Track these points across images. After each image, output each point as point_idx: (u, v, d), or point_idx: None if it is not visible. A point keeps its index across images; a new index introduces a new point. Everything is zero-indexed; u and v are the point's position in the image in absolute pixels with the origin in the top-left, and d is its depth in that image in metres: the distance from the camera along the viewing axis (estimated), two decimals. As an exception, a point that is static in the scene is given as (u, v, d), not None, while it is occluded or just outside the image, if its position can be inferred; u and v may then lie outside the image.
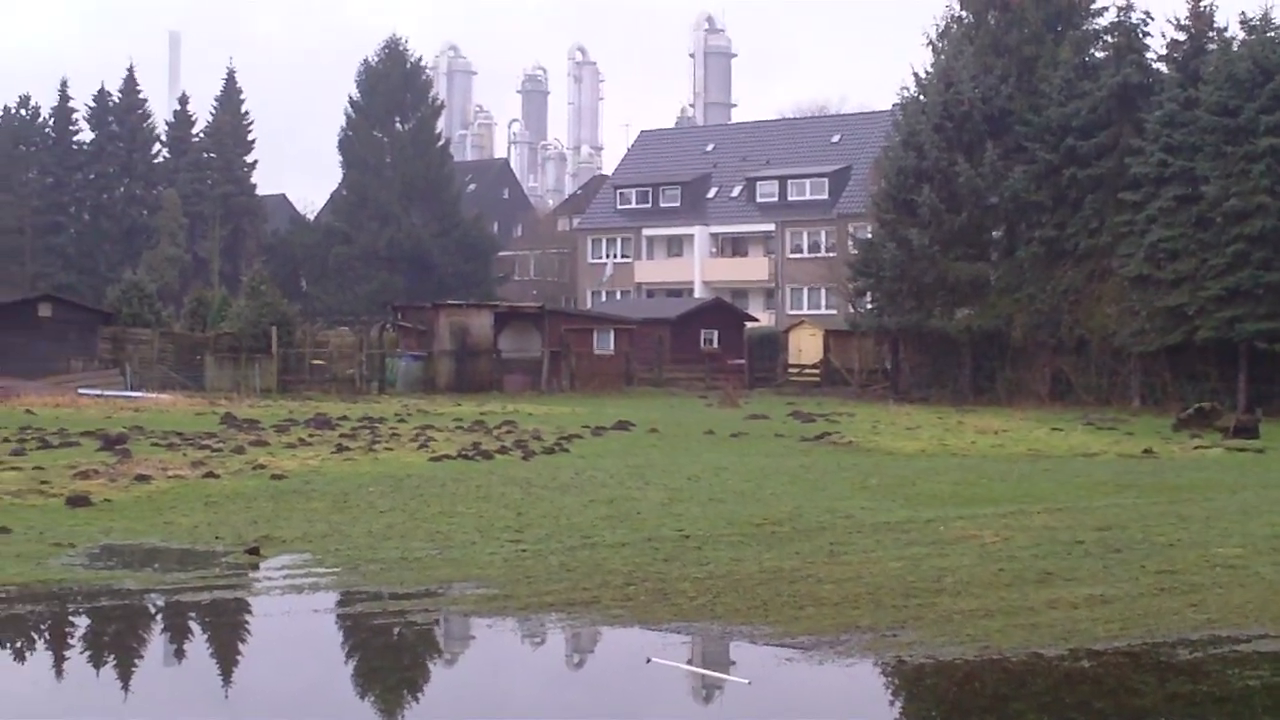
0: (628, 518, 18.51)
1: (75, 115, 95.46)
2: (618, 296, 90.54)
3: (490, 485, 22.10)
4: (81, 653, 12.02)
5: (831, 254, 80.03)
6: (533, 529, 17.46)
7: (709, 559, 15.38)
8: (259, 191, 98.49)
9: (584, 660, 12.08)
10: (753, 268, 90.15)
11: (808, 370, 64.61)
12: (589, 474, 24.09)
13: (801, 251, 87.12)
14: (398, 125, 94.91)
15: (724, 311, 72.47)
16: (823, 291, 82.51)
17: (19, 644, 12.20)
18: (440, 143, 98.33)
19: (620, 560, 15.25)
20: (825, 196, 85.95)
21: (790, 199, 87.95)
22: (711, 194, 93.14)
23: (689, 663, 11.39)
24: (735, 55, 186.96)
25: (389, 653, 12.04)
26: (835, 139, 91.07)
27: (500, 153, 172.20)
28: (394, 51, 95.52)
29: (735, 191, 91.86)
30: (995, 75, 53.11)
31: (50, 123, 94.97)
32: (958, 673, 10.96)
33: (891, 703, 10.76)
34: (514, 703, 10.80)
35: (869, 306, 57.09)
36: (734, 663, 11.41)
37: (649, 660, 11.17)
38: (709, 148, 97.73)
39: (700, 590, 13.61)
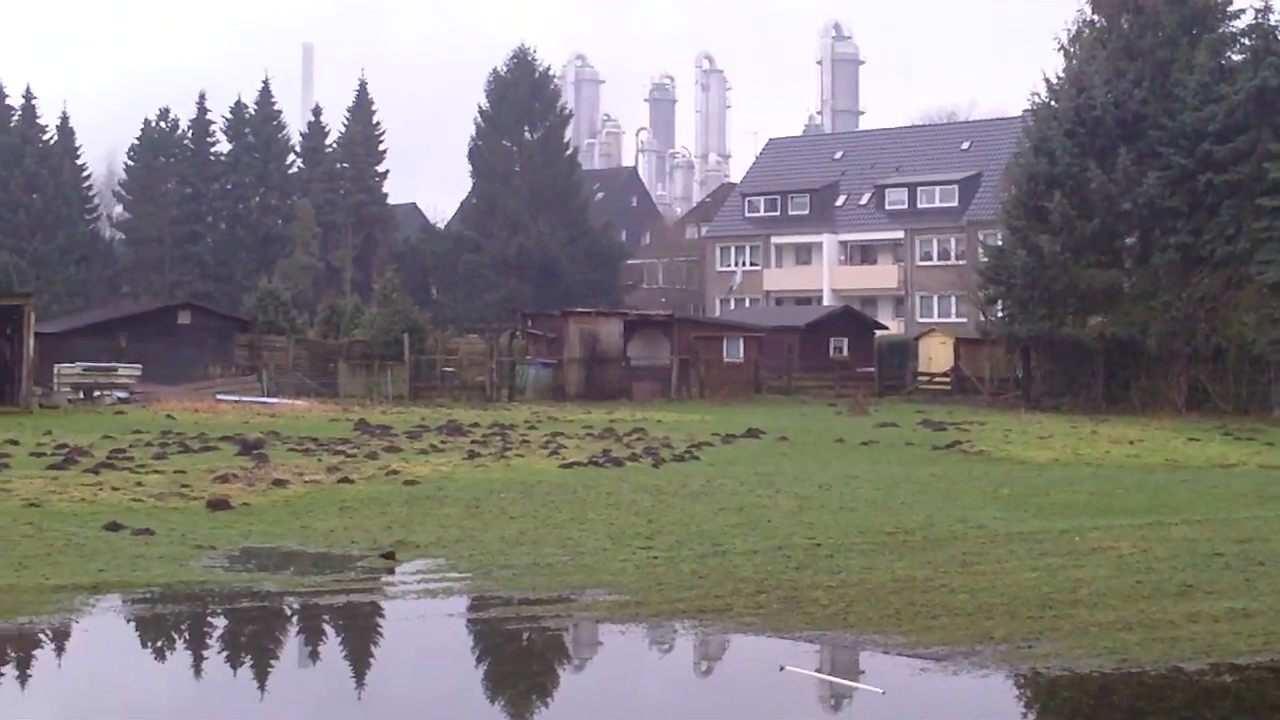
0: (758, 525, 18.50)
1: (213, 127, 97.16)
2: (746, 304, 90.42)
3: (621, 492, 22.18)
4: (224, 653, 12.25)
5: (961, 261, 79.31)
6: (664, 536, 17.50)
7: (841, 567, 15.33)
8: (390, 200, 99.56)
9: (717, 667, 12.10)
10: (882, 275, 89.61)
11: (938, 378, 64.05)
12: (719, 481, 24.09)
13: (931, 259, 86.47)
14: (526, 134, 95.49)
15: (853, 319, 72.07)
16: (953, 299, 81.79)
17: (164, 643, 12.46)
18: (568, 151, 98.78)
19: (752, 568, 15.24)
20: (955, 203, 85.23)
21: (920, 206, 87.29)
22: (840, 201, 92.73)
23: (822, 671, 11.37)
24: (863, 62, 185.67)
25: (522, 658, 12.14)
26: (965, 145, 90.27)
27: (628, 161, 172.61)
28: (523, 61, 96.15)
29: (864, 199, 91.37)
30: (1128, 79, 52.32)
31: (189, 135, 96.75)
32: (1094, 686, 10.83)
33: (1026, 715, 10.67)
34: (647, 709, 10.85)
35: (1000, 314, 56.45)
36: (867, 672, 11.36)
37: (782, 668, 11.16)
38: (837, 155, 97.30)
39: (832, 599, 13.57)
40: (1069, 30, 56.81)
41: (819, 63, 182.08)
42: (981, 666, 11.21)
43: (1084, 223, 51.08)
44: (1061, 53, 56.74)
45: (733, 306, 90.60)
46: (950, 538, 17.59)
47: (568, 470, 25.89)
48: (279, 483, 22.55)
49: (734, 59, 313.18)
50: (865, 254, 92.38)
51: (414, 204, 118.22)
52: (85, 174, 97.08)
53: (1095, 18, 55.60)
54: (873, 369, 64.66)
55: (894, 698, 10.53)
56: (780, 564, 15.49)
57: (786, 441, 34.01)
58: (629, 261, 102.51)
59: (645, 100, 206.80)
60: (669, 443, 32.54)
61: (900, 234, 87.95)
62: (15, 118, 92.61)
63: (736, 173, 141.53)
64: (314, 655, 12.41)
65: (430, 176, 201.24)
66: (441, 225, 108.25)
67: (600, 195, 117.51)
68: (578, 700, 11.06)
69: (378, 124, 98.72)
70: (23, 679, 11.29)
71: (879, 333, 71.39)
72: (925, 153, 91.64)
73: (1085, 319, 52.29)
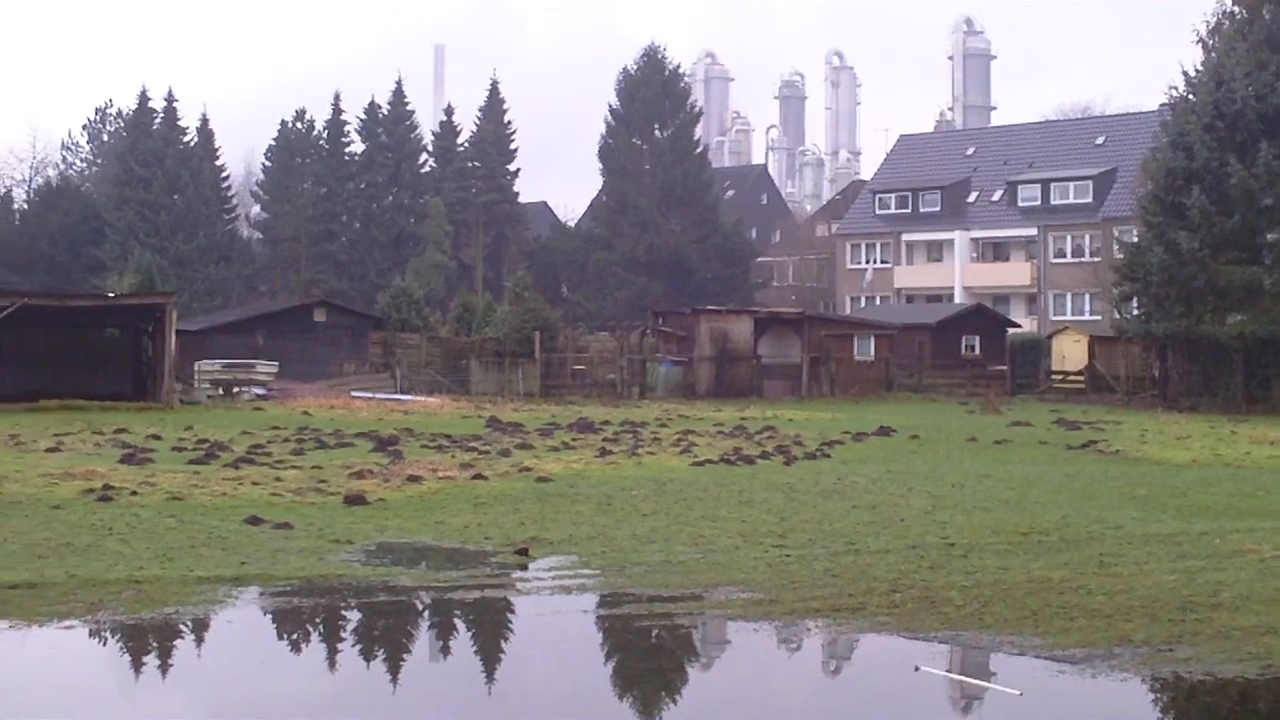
0: (891, 524, 18.41)
1: (347, 128, 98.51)
2: (876, 302, 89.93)
3: (752, 490, 22.17)
4: (362, 646, 12.42)
5: (1096, 258, 78.26)
6: (796, 534, 17.48)
7: (975, 567, 15.20)
8: (521, 199, 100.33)
9: (851, 667, 12.05)
10: (1014, 273, 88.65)
11: (1071, 377, 63.18)
12: (851, 479, 23.99)
13: (1065, 256, 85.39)
14: (657, 132, 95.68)
15: (985, 317, 71.31)
16: (1087, 297, 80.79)
17: (304, 635, 12.67)
18: (698, 149, 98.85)
19: (885, 567, 15.18)
20: (1089, 200, 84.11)
21: (1053, 202, 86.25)
22: (972, 198, 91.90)
23: (958, 672, 11.29)
24: (995, 57, 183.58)
25: (656, 655, 12.17)
26: (1099, 140, 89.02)
27: (758, 159, 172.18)
28: (653, 60, 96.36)
29: (996, 195, 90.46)
30: (1270, 72, 51.22)
31: (324, 135, 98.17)
32: (1237, 691, 10.64)
33: None
34: (781, 707, 10.84)
35: (1135, 312, 55.51)
36: (1004, 673, 11.24)
37: (917, 668, 11.10)
38: (969, 151, 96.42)
39: (967, 599, 13.46)
40: (1208, 22, 55.94)
41: (950, 58, 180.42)
42: (1121, 670, 11.06)
43: (1223, 219, 50.09)
44: (1200, 45, 55.85)
45: (863, 304, 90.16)
46: (1086, 538, 17.37)
47: (699, 468, 25.91)
48: (413, 479, 22.82)
49: (864, 55, 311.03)
50: (997, 251, 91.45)
51: (544, 202, 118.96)
52: (224, 175, 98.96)
53: (1236, 9, 54.59)
54: (1005, 367, 63.95)
55: (1032, 700, 10.43)
56: (914, 563, 15.40)
57: (918, 440, 33.76)
58: (759, 259, 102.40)
59: (775, 97, 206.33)
60: (800, 440, 32.46)
61: (1033, 231, 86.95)
62: (158, 121, 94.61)
63: (867, 170, 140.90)
64: (450, 650, 12.54)
65: (560, 175, 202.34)
66: (572, 223, 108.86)
67: (730, 193, 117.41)
68: (712, 698, 11.07)
69: (509, 123, 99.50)
70: (170, 667, 11.54)
71: (1011, 330, 70.60)
72: (1059, 148, 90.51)
73: (1224, 317, 51.28)
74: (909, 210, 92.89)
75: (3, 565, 14.59)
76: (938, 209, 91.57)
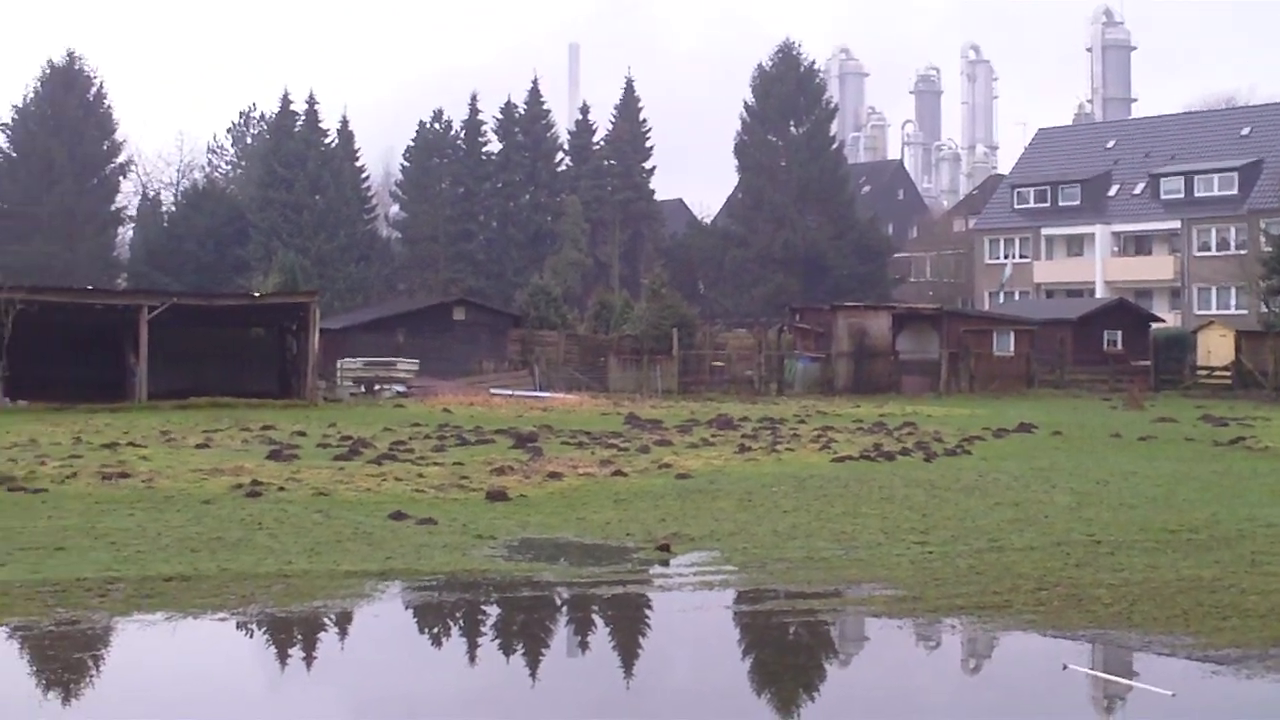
0: (1035, 521, 18.19)
1: (484, 128, 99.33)
2: (1015, 297, 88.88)
3: (893, 486, 22.05)
4: (507, 640, 12.52)
5: (1242, 251, 76.78)
6: (938, 531, 17.34)
7: (1123, 565, 14.97)
8: (657, 196, 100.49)
9: (997, 664, 11.92)
10: (1157, 266, 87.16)
11: (1217, 373, 61.92)
12: (992, 476, 23.76)
13: (1209, 249, 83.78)
14: (792, 129, 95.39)
15: (1127, 312, 70.20)
16: (1232, 290, 79.23)
17: (450, 629, 12.81)
18: (834, 145, 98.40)
19: (1030, 564, 15.00)
20: (1234, 192, 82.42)
21: (1197, 195, 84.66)
22: (1112, 191, 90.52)
23: (1107, 671, 11.14)
24: (1134, 48, 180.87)
25: (799, 651, 12.15)
26: (1245, 131, 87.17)
27: (893, 154, 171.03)
28: (788, 56, 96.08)
29: (1138, 189, 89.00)
30: None
31: (461, 135, 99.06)
32: (1399, 691, 10.41)
33: (1326, 721, 10.30)
34: (926, 705, 10.77)
35: (1284, 305, 54.45)
36: (1154, 673, 11.03)
37: (1065, 667, 10.97)
38: (1109, 144, 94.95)
39: (1115, 597, 13.26)
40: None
41: (1089, 50, 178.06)
42: (1277, 671, 10.84)
43: (1376, 210, 48.89)
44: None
45: (1002, 300, 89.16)
46: (1237, 536, 17.04)
47: (839, 464, 25.82)
48: (554, 475, 22.99)
49: (1000, 49, 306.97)
50: (1139, 245, 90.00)
51: (680, 200, 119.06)
52: (364, 175, 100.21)
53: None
54: (1148, 363, 62.86)
55: (1185, 700, 10.24)
56: (1059, 561, 15.20)
57: (1060, 436, 33.34)
58: (896, 255, 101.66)
59: (910, 92, 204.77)
60: (940, 437, 32.21)
61: (1176, 224, 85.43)
62: (299, 124, 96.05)
63: (1004, 164, 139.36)
64: (594, 645, 12.61)
65: (696, 172, 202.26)
66: (708, 220, 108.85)
67: (866, 189, 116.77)
68: (856, 695, 11.03)
69: (644, 121, 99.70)
70: (319, 660, 11.72)
71: (1154, 325, 69.42)
72: (1202, 140, 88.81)
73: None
74: (1048, 204, 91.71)
75: (159, 558, 14.94)
76: (1077, 203, 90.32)
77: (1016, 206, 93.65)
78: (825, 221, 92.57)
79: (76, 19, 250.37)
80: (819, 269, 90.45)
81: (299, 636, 12.28)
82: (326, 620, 12.70)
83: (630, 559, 15.64)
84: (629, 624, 13.32)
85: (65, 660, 11.16)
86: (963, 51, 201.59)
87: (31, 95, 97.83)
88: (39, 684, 10.65)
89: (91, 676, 10.94)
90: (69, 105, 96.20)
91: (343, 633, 12.60)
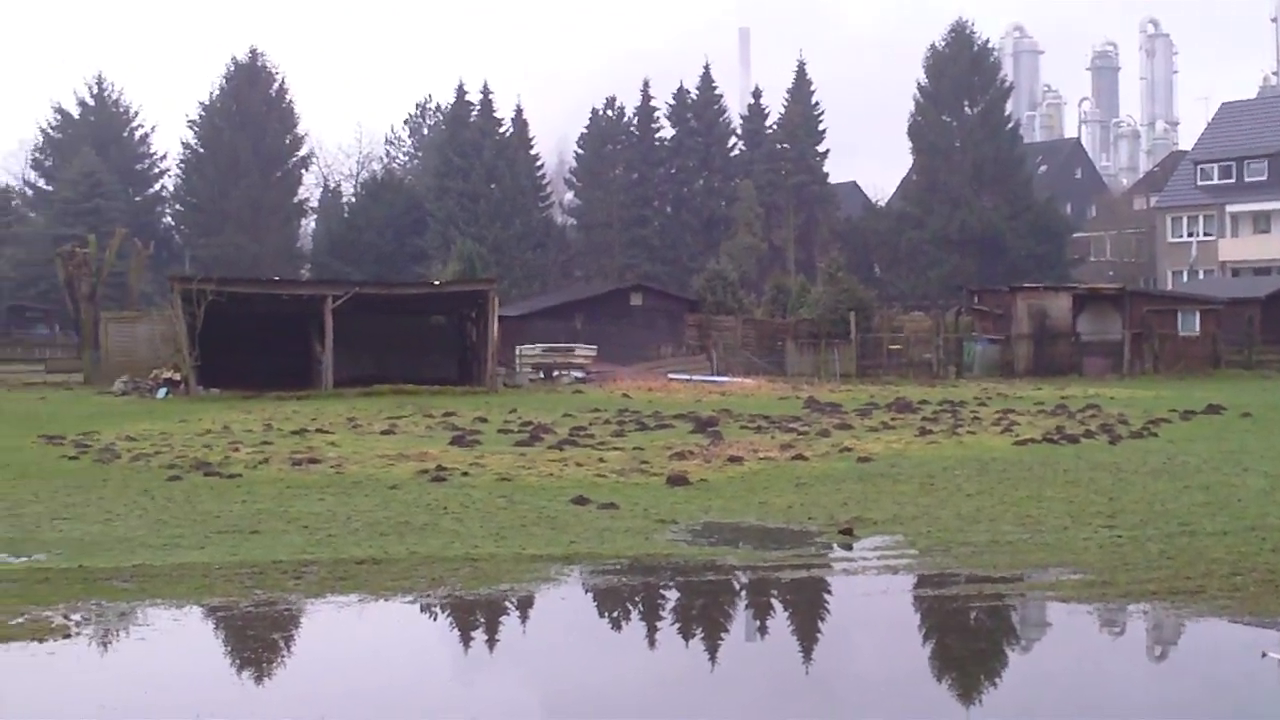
0: (1227, 505, 17.78)
1: (656, 113, 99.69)
2: (1200, 276, 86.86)
3: (1078, 469, 21.70)
4: (690, 624, 12.56)
5: None
6: (1125, 515, 17.03)
7: (1322, 550, 14.59)
8: (831, 180, 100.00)
9: (1192, 651, 11.68)
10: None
11: None
12: (1181, 459, 23.25)
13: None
14: (966, 109, 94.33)
15: (1320, 289, 68.23)
16: None
17: (637, 613, 12.90)
18: (1009, 125, 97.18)
19: (1223, 549, 14.65)
20: None
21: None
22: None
23: (1309, 658, 10.86)
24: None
25: (986, 636, 12.04)
26: None
27: (1070, 132, 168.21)
28: (961, 35, 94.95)
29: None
30: None
31: (634, 122, 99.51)
32: None
33: None
34: (1118, 692, 10.59)
35: None
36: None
37: (1264, 655, 10.72)
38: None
39: (1317, 583, 12.93)
40: None
41: (1274, 20, 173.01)
42: None
43: None
44: None
45: (1185, 278, 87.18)
46: None
47: (1021, 447, 25.48)
48: (734, 459, 23.03)
49: (1180, 22, 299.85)
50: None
51: (854, 182, 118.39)
52: (538, 163, 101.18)
53: None
54: (1343, 341, 61.09)
55: (1391, 687, 9.98)
56: (1254, 546, 14.83)
57: (1250, 418, 32.49)
58: (1074, 235, 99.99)
59: (1087, 69, 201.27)
60: (1124, 419, 31.61)
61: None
62: (474, 113, 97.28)
63: (1185, 140, 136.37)
64: (779, 628, 12.61)
65: (869, 155, 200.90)
66: (882, 203, 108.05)
67: (1043, 168, 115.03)
68: (1046, 681, 10.88)
69: (816, 104, 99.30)
70: (507, 642, 11.89)
71: (1349, 303, 67.32)
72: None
73: None
74: (1233, 180, 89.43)
75: (350, 541, 15.28)
76: (1264, 178, 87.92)
77: (1200, 183, 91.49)
78: (1001, 202, 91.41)
79: (259, 18, 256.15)
80: (995, 250, 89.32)
81: (487, 619, 12.46)
82: (514, 603, 12.87)
83: (813, 543, 15.62)
84: (813, 608, 13.30)
85: (264, 639, 11.48)
86: (1141, 26, 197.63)
87: (217, 93, 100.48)
88: (239, 662, 10.96)
89: (288, 655, 11.22)
90: (253, 101, 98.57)
91: (530, 616, 12.75)
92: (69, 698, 9.91)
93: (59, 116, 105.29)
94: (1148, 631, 11.96)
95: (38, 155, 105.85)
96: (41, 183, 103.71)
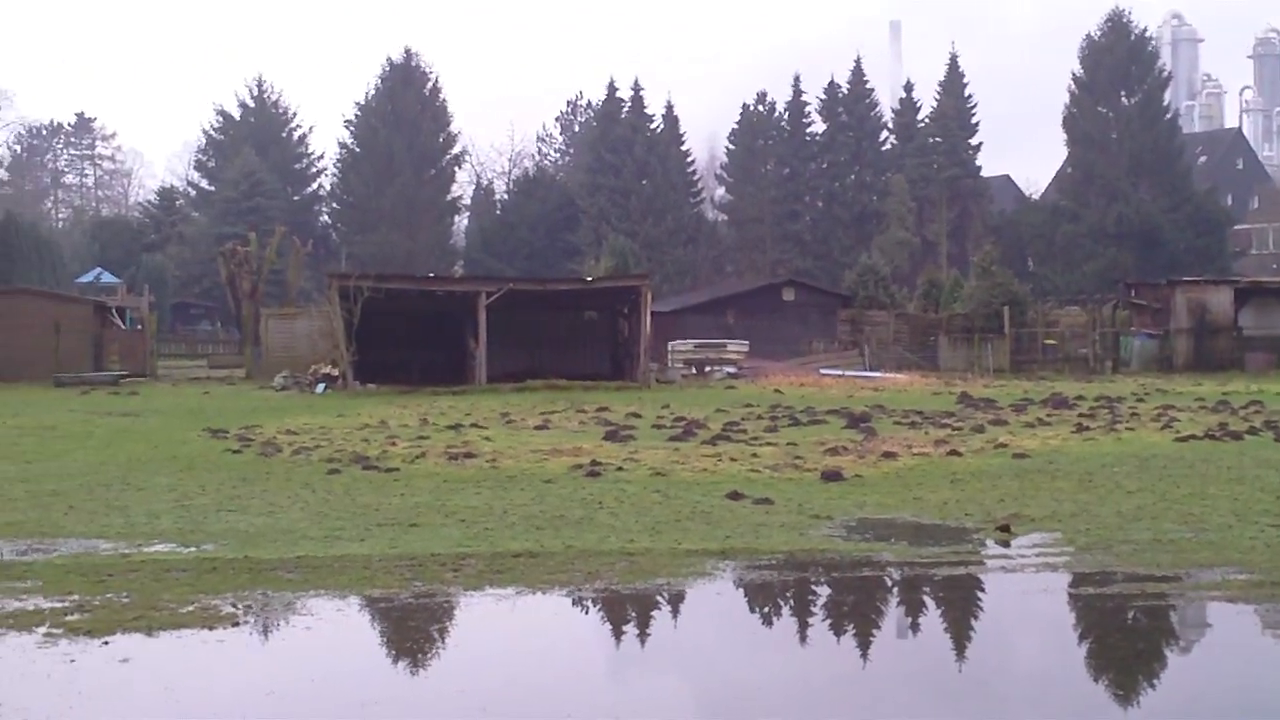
0: (1401, 504, 17.32)
1: (808, 108, 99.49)
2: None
3: (1242, 467, 21.26)
4: (849, 620, 12.52)
5: None
6: (1294, 514, 16.67)
7: None
8: (983, 173, 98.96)
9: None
10: None
11: None
12: (1351, 457, 22.70)
13: None
14: (1123, 99, 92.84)
15: None
16: None
17: (792, 608, 12.88)
18: (1168, 115, 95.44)
19: (1398, 549, 14.30)
20: None
21: None
22: None
23: None
24: None
25: (1149, 636, 11.84)
26: None
27: (1230, 122, 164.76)
28: (1117, 24, 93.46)
29: None
30: None
31: (785, 117, 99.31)
32: None
33: None
34: (1288, 692, 10.40)
35: None
36: None
37: None
38: None
39: None
40: None
41: None
42: None
43: None
44: None
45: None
46: None
47: (1183, 444, 25.02)
48: (888, 455, 22.90)
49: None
50: None
51: (1007, 175, 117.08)
52: (689, 159, 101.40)
53: None
54: None
55: None
56: None
57: None
58: (1236, 227, 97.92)
59: (1248, 57, 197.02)
60: (1291, 416, 30.91)
61: None
62: (625, 110, 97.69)
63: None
64: (937, 625, 12.50)
65: (1022, 147, 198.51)
66: (1036, 196, 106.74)
67: (1202, 159, 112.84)
68: (1212, 682, 10.69)
69: (969, 97, 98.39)
70: (665, 637, 11.93)
71: None
72: None
73: None
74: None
75: (506, 535, 15.44)
76: None
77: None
78: (1159, 194, 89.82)
79: (414, 18, 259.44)
80: (1153, 243, 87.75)
81: (642, 613, 12.50)
82: (669, 598, 12.90)
83: (969, 539, 15.48)
84: (969, 605, 13.18)
85: (423, 630, 11.65)
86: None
87: (373, 93, 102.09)
88: (399, 652, 11.13)
89: (447, 647, 11.37)
90: (407, 101, 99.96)
91: (685, 611, 12.76)
92: (238, 683, 10.15)
93: (221, 118, 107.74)
94: (1317, 632, 11.70)
95: (201, 156, 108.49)
96: (204, 183, 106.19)
